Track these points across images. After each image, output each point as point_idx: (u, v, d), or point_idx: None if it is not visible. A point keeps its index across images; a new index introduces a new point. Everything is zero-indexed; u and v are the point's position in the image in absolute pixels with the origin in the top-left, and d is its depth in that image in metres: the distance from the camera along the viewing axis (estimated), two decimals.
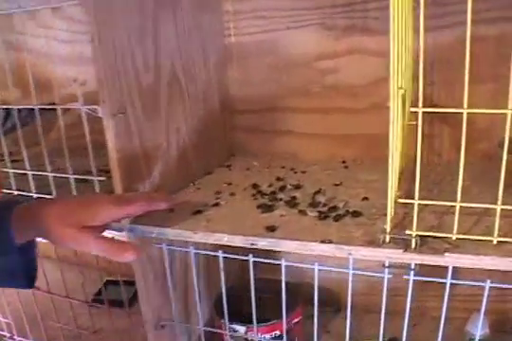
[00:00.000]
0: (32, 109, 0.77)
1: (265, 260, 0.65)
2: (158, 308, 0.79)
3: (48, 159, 0.77)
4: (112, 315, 0.89)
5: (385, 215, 0.57)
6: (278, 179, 0.85)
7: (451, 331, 0.85)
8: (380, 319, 0.63)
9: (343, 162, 0.93)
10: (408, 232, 0.56)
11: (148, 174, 0.75)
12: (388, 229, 0.57)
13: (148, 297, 0.77)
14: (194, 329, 0.85)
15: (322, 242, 0.59)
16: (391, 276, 0.60)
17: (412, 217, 0.55)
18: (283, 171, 0.90)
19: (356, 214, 0.67)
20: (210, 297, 0.91)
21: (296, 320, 0.87)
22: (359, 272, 0.62)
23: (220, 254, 0.68)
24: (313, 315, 0.68)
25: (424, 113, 0.53)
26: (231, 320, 0.82)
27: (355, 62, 0.88)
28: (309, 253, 0.60)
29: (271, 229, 0.64)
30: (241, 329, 0.82)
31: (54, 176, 0.78)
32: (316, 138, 0.96)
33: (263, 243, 0.62)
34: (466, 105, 0.50)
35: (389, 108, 0.53)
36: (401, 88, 0.61)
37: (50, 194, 0.79)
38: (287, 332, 0.85)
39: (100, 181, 0.73)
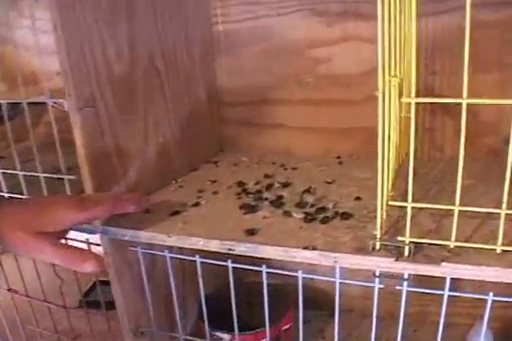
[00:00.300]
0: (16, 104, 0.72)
1: (245, 266, 0.60)
2: (137, 314, 0.73)
3: (31, 156, 0.71)
4: (91, 319, 0.84)
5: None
6: (266, 176, 0.79)
7: (454, 337, 0.79)
8: (377, 324, 0.57)
9: (338, 157, 0.87)
10: (400, 238, 0.50)
11: (123, 173, 0.69)
12: (378, 235, 0.51)
13: (126, 303, 0.71)
14: (178, 336, 0.80)
15: (306, 248, 0.54)
16: (382, 286, 0.54)
17: (404, 219, 0.49)
18: (272, 168, 0.84)
19: (345, 216, 0.61)
20: (197, 303, 0.86)
21: (286, 327, 0.82)
22: (347, 281, 0.56)
23: (197, 259, 0.62)
24: (308, 320, 0.62)
25: (424, 104, 0.46)
26: (216, 327, 0.77)
27: (349, 50, 0.81)
28: (291, 260, 0.55)
29: (251, 233, 0.58)
30: (225, 337, 0.77)
31: (24, 175, 0.72)
32: (309, 132, 0.90)
33: (241, 249, 0.57)
34: (465, 94, 0.43)
35: (377, 98, 0.46)
36: (395, 76, 0.54)
37: (22, 194, 0.74)
38: (277, 339, 0.80)
39: (72, 180, 0.67)
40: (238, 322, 0.66)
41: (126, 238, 0.63)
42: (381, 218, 0.51)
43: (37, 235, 0.51)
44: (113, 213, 0.59)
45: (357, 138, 0.86)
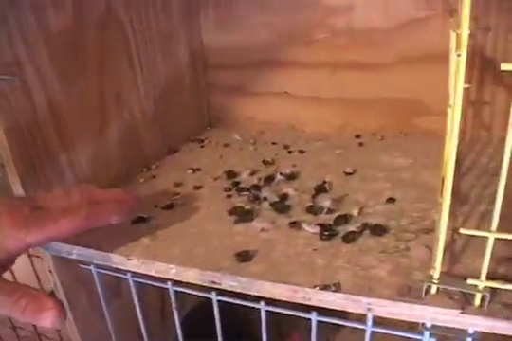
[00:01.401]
0: None
1: (237, 302, 0.42)
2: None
3: None
4: None
5: (425, 232, 0.39)
6: (265, 163, 0.61)
7: None
8: None
9: (357, 137, 0.68)
10: (471, 282, 0.32)
11: (69, 162, 0.51)
12: (436, 275, 0.34)
13: (82, 330, 0.55)
14: None
15: (325, 287, 0.36)
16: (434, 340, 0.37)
17: (473, 250, 0.32)
18: (273, 150, 0.66)
19: (378, 230, 0.43)
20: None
21: None
22: (382, 330, 0.39)
23: (169, 287, 0.45)
24: None
25: (470, 70, 0.29)
26: None
27: None
28: (305, 302, 0.37)
29: (244, 258, 0.41)
30: None
31: None
32: (320, 103, 0.70)
33: (229, 284, 0.39)
34: None
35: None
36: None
37: None
38: None
39: None
40: None
41: (72, 256, 0.46)
42: (443, 251, 0.33)
43: None
44: (87, 228, 0.40)
45: (383, 112, 0.67)
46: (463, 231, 0.31)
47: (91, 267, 0.48)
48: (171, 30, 0.65)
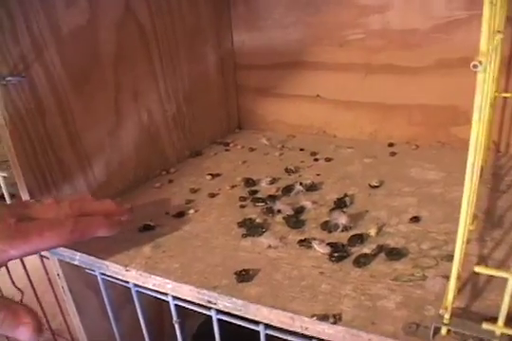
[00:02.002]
0: None
1: (236, 322, 0.39)
2: None
3: None
4: None
5: (447, 259, 0.36)
6: (287, 171, 0.58)
7: None
8: None
9: (390, 145, 0.64)
10: (486, 327, 0.28)
11: (80, 166, 0.49)
12: (447, 315, 0.30)
13: (90, 335, 0.54)
14: None
15: (324, 318, 0.33)
16: None
17: (499, 285, 0.28)
18: (299, 157, 0.63)
19: (395, 253, 0.40)
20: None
21: None
22: None
23: (170, 300, 0.43)
24: None
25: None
26: None
27: None
28: (302, 332, 0.34)
29: (243, 277, 0.38)
30: None
31: None
32: (353, 108, 0.66)
33: (225, 304, 0.37)
34: None
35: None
36: (500, 32, 0.31)
37: None
38: None
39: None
40: None
41: (75, 262, 0.45)
42: (461, 285, 0.29)
43: None
44: (73, 241, 0.38)
45: (418, 120, 0.62)
46: (477, 270, 0.27)
47: (96, 273, 0.47)
48: (197, 27, 0.63)
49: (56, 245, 0.37)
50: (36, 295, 0.58)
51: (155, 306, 0.58)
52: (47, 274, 0.54)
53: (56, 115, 0.46)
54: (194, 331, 0.66)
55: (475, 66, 0.23)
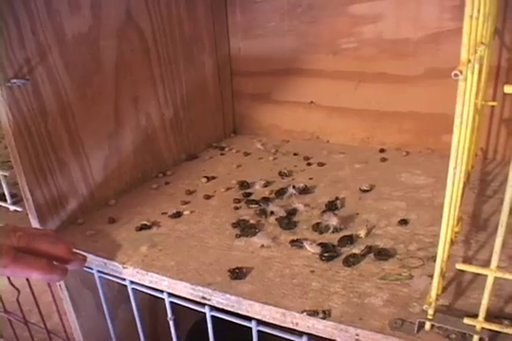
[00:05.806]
0: None
1: (229, 318, 0.41)
2: None
3: None
4: None
5: (433, 259, 0.34)
6: (281, 174, 0.60)
7: None
8: None
9: (382, 151, 0.66)
10: (467, 322, 0.30)
11: (80, 168, 0.51)
12: (430, 311, 0.31)
13: (86, 332, 0.55)
14: None
15: (313, 313, 0.34)
16: None
17: (483, 283, 0.29)
18: (292, 162, 0.64)
19: (383, 254, 0.41)
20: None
21: None
22: None
23: (166, 297, 0.44)
24: None
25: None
26: None
27: (405, 6, 0.58)
28: (293, 327, 0.36)
29: (237, 275, 0.39)
30: None
31: None
32: (346, 115, 0.68)
33: (218, 300, 0.38)
34: None
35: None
36: (482, 44, 0.33)
37: None
38: None
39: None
40: None
41: None
42: (437, 287, 0.31)
43: None
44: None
45: (409, 127, 0.64)
46: (459, 267, 0.29)
47: (94, 271, 0.48)
48: (195, 36, 0.65)
49: None
50: (33, 293, 0.59)
51: (151, 305, 0.60)
52: None
53: (58, 116, 0.47)
54: (187, 331, 0.67)
55: (456, 75, 0.25)
